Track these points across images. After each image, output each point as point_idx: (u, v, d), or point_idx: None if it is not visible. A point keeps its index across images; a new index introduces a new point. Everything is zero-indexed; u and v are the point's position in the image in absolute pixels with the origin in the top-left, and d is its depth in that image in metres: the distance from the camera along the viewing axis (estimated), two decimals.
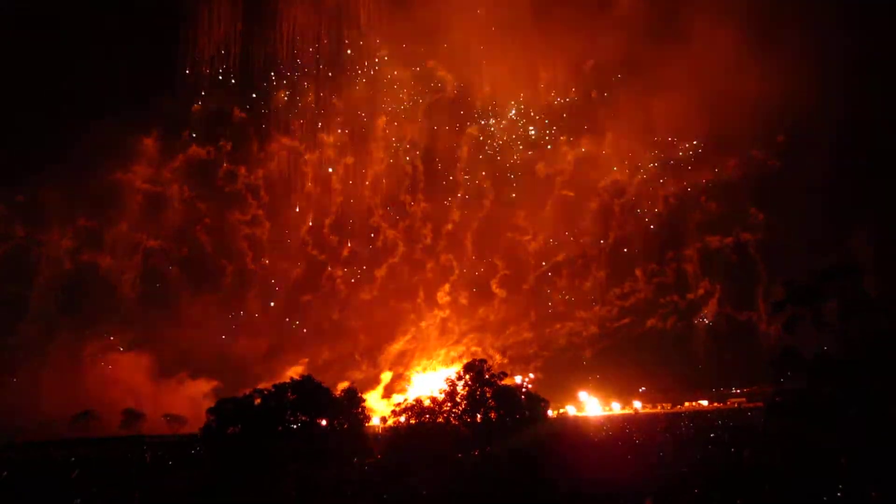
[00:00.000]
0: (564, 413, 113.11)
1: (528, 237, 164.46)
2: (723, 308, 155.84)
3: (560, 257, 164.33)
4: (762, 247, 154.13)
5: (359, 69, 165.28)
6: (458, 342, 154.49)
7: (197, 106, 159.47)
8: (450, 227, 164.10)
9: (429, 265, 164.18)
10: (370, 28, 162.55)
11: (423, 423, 61.03)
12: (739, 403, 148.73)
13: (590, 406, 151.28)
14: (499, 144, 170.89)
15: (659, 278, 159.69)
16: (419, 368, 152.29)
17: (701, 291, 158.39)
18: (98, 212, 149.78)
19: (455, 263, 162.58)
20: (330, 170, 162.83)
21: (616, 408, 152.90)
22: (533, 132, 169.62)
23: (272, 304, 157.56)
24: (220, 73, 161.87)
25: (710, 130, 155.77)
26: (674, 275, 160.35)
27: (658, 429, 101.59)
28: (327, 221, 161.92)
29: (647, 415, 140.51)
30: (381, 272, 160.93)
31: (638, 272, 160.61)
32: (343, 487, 54.67)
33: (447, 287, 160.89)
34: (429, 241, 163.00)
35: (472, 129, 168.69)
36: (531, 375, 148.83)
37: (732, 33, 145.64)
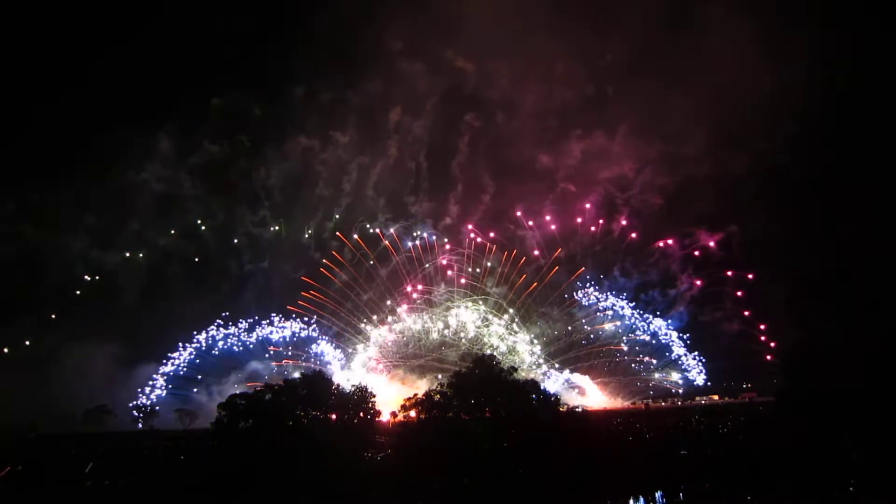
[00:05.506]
0: (574, 407, 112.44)
1: (530, 232, 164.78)
2: (693, 305, 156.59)
3: (558, 253, 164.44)
4: (750, 244, 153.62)
5: (374, 63, 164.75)
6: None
7: (214, 103, 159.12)
8: (454, 221, 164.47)
9: (429, 260, 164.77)
10: (386, 20, 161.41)
11: (432, 417, 61.15)
12: (750, 398, 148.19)
13: (599, 401, 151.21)
14: (509, 137, 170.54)
15: (644, 276, 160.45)
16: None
17: (683, 287, 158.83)
18: (109, 211, 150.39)
19: (455, 258, 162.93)
20: (343, 171, 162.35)
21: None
22: (543, 126, 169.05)
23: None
24: (236, 70, 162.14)
25: (720, 123, 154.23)
26: (659, 271, 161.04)
27: (669, 423, 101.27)
28: (334, 222, 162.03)
29: (658, 409, 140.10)
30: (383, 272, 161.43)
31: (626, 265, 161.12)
32: (353, 481, 54.84)
33: (443, 286, 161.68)
34: (433, 236, 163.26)
35: (483, 122, 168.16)
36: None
37: (746, 26, 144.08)
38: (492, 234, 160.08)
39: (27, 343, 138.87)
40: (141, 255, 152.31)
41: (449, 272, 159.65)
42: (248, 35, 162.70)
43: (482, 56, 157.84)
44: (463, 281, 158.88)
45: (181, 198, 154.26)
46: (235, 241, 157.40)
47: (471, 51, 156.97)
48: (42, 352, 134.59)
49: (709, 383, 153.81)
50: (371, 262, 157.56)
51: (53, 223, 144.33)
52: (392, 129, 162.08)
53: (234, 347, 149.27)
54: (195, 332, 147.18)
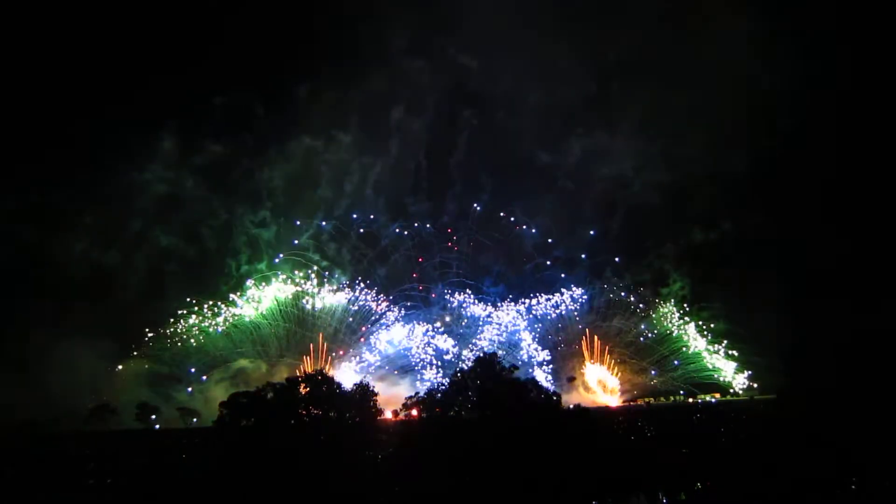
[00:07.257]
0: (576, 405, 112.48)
1: (528, 230, 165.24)
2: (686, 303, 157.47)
3: (556, 250, 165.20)
4: (745, 243, 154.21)
5: (377, 61, 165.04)
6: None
7: (215, 102, 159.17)
8: (452, 219, 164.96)
9: (426, 259, 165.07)
10: (389, 18, 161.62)
11: (434, 416, 61.26)
12: (751, 395, 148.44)
13: (598, 398, 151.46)
14: (510, 136, 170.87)
15: (636, 275, 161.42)
16: None
17: (675, 285, 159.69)
18: (111, 211, 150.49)
19: (454, 259, 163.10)
20: (345, 170, 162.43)
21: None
22: (545, 125, 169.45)
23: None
24: (240, 70, 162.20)
25: (720, 121, 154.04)
26: (653, 271, 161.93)
27: (669, 420, 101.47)
28: (333, 222, 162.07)
29: (659, 407, 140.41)
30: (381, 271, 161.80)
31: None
32: (354, 480, 54.95)
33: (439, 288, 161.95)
34: (432, 237, 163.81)
35: (483, 120, 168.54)
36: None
37: (749, 26, 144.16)
38: (490, 232, 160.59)
39: (28, 341, 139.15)
40: (141, 254, 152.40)
41: (444, 270, 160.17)
42: (251, 34, 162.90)
43: (484, 53, 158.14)
44: (458, 279, 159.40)
45: (183, 197, 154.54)
46: (235, 240, 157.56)
47: (473, 48, 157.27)
48: (43, 350, 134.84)
49: (754, 385, 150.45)
50: (369, 262, 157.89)
51: (54, 223, 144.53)
52: (393, 127, 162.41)
53: (199, 338, 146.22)
54: (146, 329, 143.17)
